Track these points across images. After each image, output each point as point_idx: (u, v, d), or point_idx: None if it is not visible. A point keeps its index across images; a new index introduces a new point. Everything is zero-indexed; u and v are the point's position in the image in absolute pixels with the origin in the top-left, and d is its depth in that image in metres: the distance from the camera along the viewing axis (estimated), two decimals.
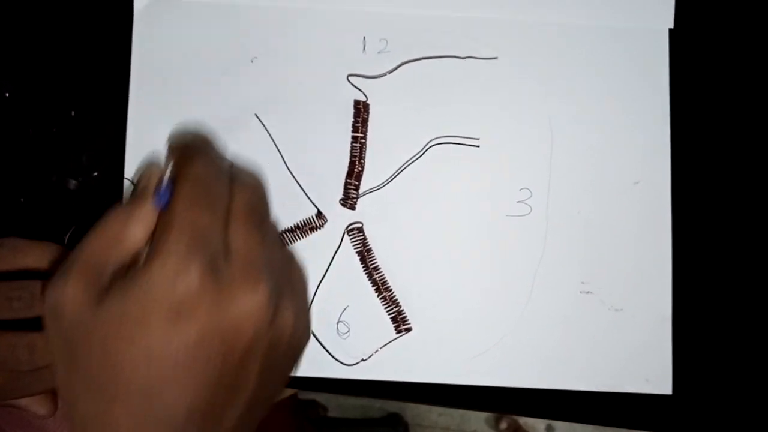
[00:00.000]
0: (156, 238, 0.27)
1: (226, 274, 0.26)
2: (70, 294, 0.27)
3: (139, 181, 0.31)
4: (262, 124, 0.39)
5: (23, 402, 0.36)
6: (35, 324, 0.35)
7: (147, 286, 0.25)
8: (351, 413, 1.11)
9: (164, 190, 0.28)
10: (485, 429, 1.14)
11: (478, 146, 0.39)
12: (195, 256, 0.25)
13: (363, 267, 0.38)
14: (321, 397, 1.08)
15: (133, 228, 0.29)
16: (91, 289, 0.27)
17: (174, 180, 0.28)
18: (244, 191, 0.29)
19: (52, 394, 0.37)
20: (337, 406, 1.10)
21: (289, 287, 0.29)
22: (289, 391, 0.65)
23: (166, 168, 0.31)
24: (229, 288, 0.26)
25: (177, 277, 0.25)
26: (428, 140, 0.39)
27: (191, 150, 0.30)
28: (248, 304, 0.26)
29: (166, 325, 0.25)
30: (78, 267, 0.27)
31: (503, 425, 1.12)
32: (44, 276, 0.36)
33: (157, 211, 0.29)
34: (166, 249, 0.26)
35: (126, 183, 0.39)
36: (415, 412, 1.12)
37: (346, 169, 0.39)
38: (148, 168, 0.31)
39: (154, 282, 0.25)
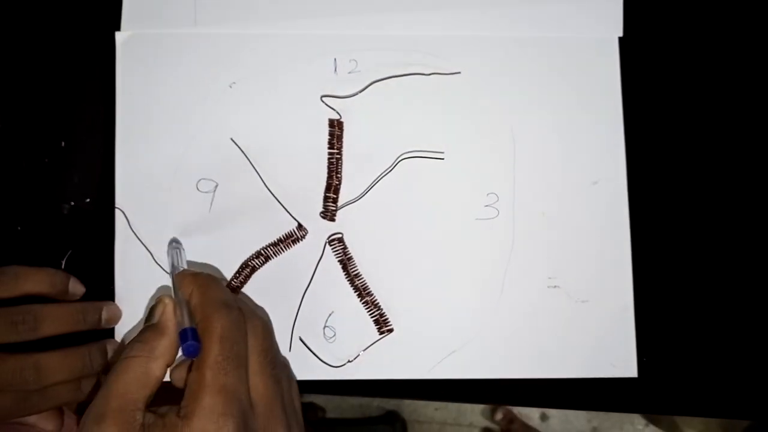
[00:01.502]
0: (192, 397, 0.31)
1: (254, 426, 0.31)
2: (95, 429, 0.30)
3: (152, 312, 0.35)
4: (239, 147, 0.41)
5: (31, 419, 0.38)
6: (40, 345, 0.36)
7: None
8: (349, 413, 1.12)
9: (192, 343, 0.31)
10: (481, 421, 1.15)
11: (443, 159, 0.41)
12: (229, 415, 0.30)
13: (345, 274, 0.41)
14: (319, 400, 1.09)
15: (156, 365, 0.33)
16: (128, 429, 0.30)
17: (194, 331, 0.32)
18: (257, 335, 0.34)
19: (59, 411, 0.39)
20: (335, 407, 1.11)
21: (294, 413, 0.35)
22: None
23: (176, 297, 0.35)
24: None
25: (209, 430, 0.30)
26: (398, 154, 0.41)
27: (206, 288, 0.34)
28: None
29: None
30: (111, 411, 0.31)
31: (499, 416, 1.14)
32: (45, 300, 0.38)
33: (175, 346, 0.33)
34: (202, 409, 0.30)
35: (117, 211, 0.41)
36: (411, 408, 1.13)
37: (324, 184, 0.41)
38: (160, 301, 0.35)
39: None
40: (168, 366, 0.34)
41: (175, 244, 0.40)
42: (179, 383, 0.34)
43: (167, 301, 0.35)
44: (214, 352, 0.32)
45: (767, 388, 0.42)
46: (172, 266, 0.38)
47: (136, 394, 0.32)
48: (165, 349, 0.34)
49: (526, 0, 0.42)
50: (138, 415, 0.31)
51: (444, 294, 0.41)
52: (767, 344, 0.42)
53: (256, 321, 0.34)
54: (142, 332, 0.35)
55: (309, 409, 1.08)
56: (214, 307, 0.33)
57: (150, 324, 0.35)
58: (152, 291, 0.40)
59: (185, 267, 0.38)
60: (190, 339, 0.31)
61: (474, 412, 1.15)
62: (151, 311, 0.36)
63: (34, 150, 0.42)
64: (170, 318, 0.35)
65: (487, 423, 1.14)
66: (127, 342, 0.35)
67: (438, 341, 0.40)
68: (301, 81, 0.42)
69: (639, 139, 0.42)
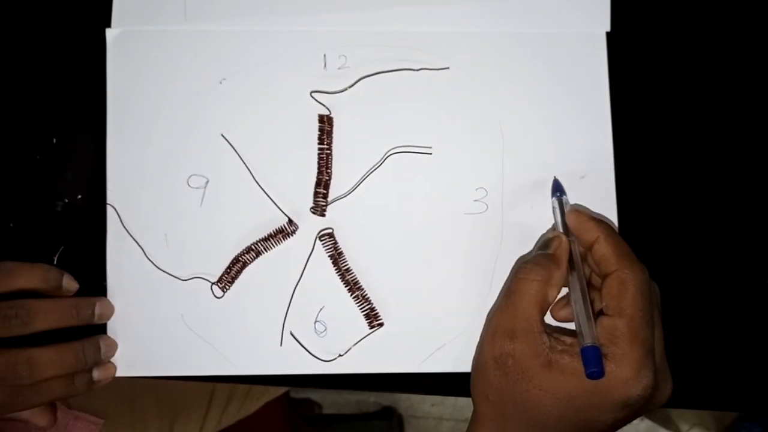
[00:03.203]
0: (613, 342, 0.32)
1: (657, 380, 0.33)
2: (518, 351, 0.33)
3: (548, 243, 0.37)
4: (229, 143, 0.41)
5: (24, 414, 0.38)
6: (33, 341, 0.37)
7: (606, 383, 0.32)
8: (345, 409, 1.12)
9: (597, 371, 0.32)
10: None
11: (430, 154, 0.41)
12: (649, 368, 0.32)
13: (336, 269, 0.41)
14: (315, 395, 1.10)
15: (551, 292, 0.35)
16: (537, 352, 0.33)
17: (598, 351, 0.32)
18: (656, 292, 0.36)
19: (51, 406, 0.40)
20: (331, 402, 1.11)
21: None
22: (280, 390, 0.68)
23: (567, 235, 0.37)
24: (657, 389, 0.33)
25: (630, 381, 0.32)
26: (388, 149, 0.41)
27: (616, 238, 0.35)
28: (665, 396, 0.35)
29: (617, 413, 0.33)
30: (521, 330, 0.34)
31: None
32: (39, 296, 0.38)
33: (565, 280, 0.36)
34: (625, 356, 0.32)
35: (108, 208, 0.41)
36: (408, 403, 1.13)
37: (314, 179, 0.41)
38: (557, 236, 0.37)
39: (613, 380, 0.32)
40: (557, 295, 0.36)
41: (558, 191, 0.40)
42: (560, 319, 0.37)
43: (563, 238, 0.37)
44: (638, 304, 0.33)
45: (758, 380, 0.42)
46: (561, 207, 0.39)
47: (538, 316, 0.34)
48: (559, 279, 0.35)
49: None
50: (544, 337, 0.34)
51: (434, 288, 0.41)
52: (759, 337, 0.42)
53: (651, 280, 0.35)
54: (538, 257, 0.37)
55: (305, 404, 1.08)
56: (631, 259, 0.34)
57: (545, 252, 0.36)
58: (144, 286, 0.41)
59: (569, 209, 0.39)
60: (593, 361, 0.32)
61: (470, 408, 1.16)
62: (545, 242, 0.38)
63: (26, 147, 0.42)
64: (565, 252, 0.36)
65: None
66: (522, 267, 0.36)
67: (428, 335, 0.41)
68: (290, 77, 0.42)
69: (627, 133, 0.42)
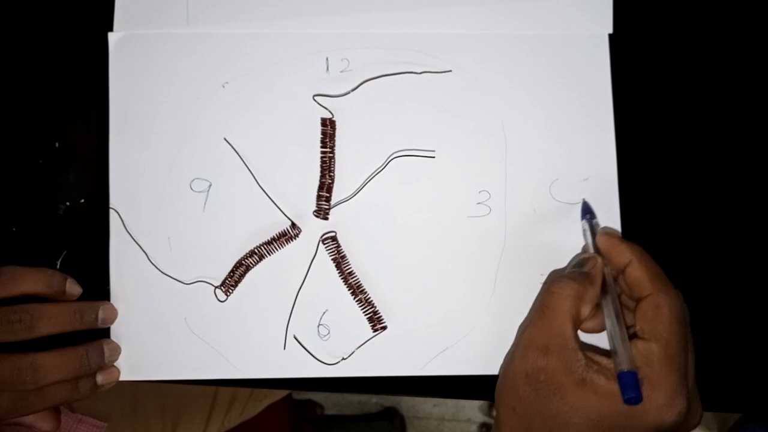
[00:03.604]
0: (650, 366, 0.32)
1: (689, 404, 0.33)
2: (551, 367, 0.33)
3: (583, 262, 0.37)
4: (232, 146, 0.41)
5: (28, 419, 0.38)
6: (37, 345, 0.37)
7: (641, 408, 0.32)
8: (348, 410, 1.12)
9: (635, 396, 0.32)
10: (479, 416, 1.16)
11: (433, 157, 0.41)
12: (683, 395, 0.32)
13: (339, 273, 0.41)
14: (317, 396, 1.10)
15: (585, 309, 0.35)
16: (571, 369, 0.33)
17: (636, 377, 0.32)
18: (687, 316, 0.35)
19: (55, 411, 0.40)
20: (333, 403, 1.11)
21: None
22: (283, 392, 0.68)
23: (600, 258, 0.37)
24: (689, 415, 0.33)
25: (665, 408, 0.32)
26: (390, 152, 0.41)
27: (650, 261, 0.35)
28: (695, 423, 0.35)
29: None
30: (556, 346, 0.33)
31: (496, 412, 1.14)
32: (42, 301, 0.38)
33: (596, 296, 0.35)
34: (662, 382, 0.32)
35: (111, 212, 0.41)
36: (410, 404, 1.13)
37: (317, 183, 0.41)
38: (593, 257, 0.37)
39: (648, 405, 0.32)
40: (589, 313, 0.35)
41: (588, 213, 0.40)
42: (587, 330, 0.37)
43: (599, 258, 0.37)
44: (674, 329, 0.33)
45: (761, 381, 0.42)
46: (591, 230, 0.39)
47: (572, 332, 0.34)
48: (593, 297, 0.35)
49: None
50: (579, 354, 0.33)
51: (437, 291, 0.41)
52: (762, 339, 0.42)
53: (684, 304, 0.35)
54: (573, 273, 0.36)
55: (308, 406, 1.08)
56: (666, 283, 0.34)
57: (580, 270, 0.36)
58: (147, 290, 0.41)
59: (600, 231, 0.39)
60: (632, 387, 0.32)
61: (472, 408, 1.16)
62: (580, 262, 0.37)
63: (29, 151, 0.42)
64: (599, 272, 0.36)
65: (485, 418, 1.15)
66: (554, 281, 0.36)
67: (431, 338, 0.41)
68: (293, 80, 0.42)
69: (629, 135, 0.42)
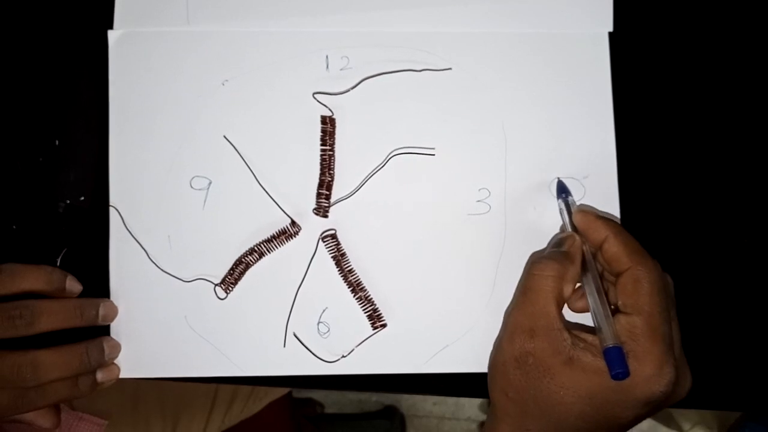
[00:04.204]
0: (634, 340, 0.33)
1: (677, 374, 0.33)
2: (538, 349, 0.33)
3: (561, 241, 0.37)
4: (231, 144, 0.41)
5: (28, 416, 0.38)
6: (37, 343, 0.37)
7: (629, 381, 0.32)
8: (348, 408, 1.13)
9: (622, 371, 0.32)
10: (479, 415, 1.16)
11: (433, 155, 0.41)
12: (669, 364, 0.32)
13: (339, 270, 0.41)
14: (317, 395, 1.10)
15: (567, 288, 0.35)
16: (558, 349, 0.33)
17: (621, 351, 0.32)
18: (670, 285, 0.36)
19: (55, 408, 0.40)
20: (333, 402, 1.11)
21: None
22: (283, 390, 0.68)
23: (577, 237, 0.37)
24: (677, 384, 0.33)
25: (653, 378, 0.32)
26: (390, 150, 0.41)
27: (626, 236, 0.35)
28: (685, 390, 0.35)
29: (640, 409, 0.33)
30: (541, 328, 0.34)
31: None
32: (42, 297, 0.38)
33: (579, 277, 0.36)
34: (647, 353, 0.32)
35: (111, 209, 0.41)
36: (410, 402, 1.14)
37: (317, 181, 0.41)
38: (570, 235, 0.37)
39: (636, 378, 0.32)
40: (572, 291, 0.36)
41: (563, 192, 0.40)
42: (577, 310, 0.37)
43: (576, 236, 0.37)
44: (655, 300, 0.33)
45: (761, 380, 0.42)
46: (567, 208, 0.39)
47: (556, 312, 0.34)
48: (574, 274, 0.36)
49: None
50: (565, 334, 0.34)
51: (437, 289, 0.41)
52: (761, 337, 0.42)
53: (665, 273, 0.36)
54: (552, 253, 0.37)
55: (308, 404, 1.08)
56: (643, 256, 0.34)
57: (559, 250, 0.37)
58: (147, 288, 0.41)
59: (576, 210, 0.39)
60: (618, 362, 0.32)
61: (472, 407, 1.16)
62: (559, 241, 0.38)
63: (29, 149, 0.42)
64: (578, 250, 0.36)
65: (485, 417, 1.15)
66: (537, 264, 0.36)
67: (431, 336, 0.41)
68: (293, 78, 0.42)
69: (630, 133, 0.42)
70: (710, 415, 1.04)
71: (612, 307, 0.36)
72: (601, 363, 0.32)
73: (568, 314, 0.38)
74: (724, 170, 0.43)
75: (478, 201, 0.41)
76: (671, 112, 0.43)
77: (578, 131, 0.42)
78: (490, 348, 0.40)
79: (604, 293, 0.35)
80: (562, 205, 0.39)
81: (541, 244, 0.41)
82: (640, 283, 0.33)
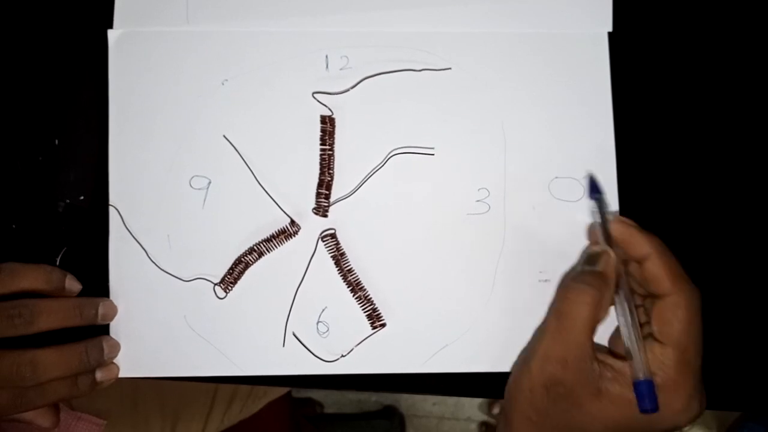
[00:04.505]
0: (665, 373, 0.32)
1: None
2: (569, 379, 0.33)
3: (594, 258, 0.35)
4: (231, 144, 0.41)
5: (28, 416, 0.38)
6: (36, 342, 0.37)
7: (658, 416, 0.32)
8: (347, 408, 1.13)
9: (652, 407, 0.31)
10: (479, 415, 1.16)
11: (432, 155, 0.41)
12: (697, 399, 0.32)
13: (338, 270, 0.41)
14: (317, 395, 1.10)
15: (601, 314, 0.34)
16: (589, 380, 0.33)
17: (652, 386, 0.32)
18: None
19: (55, 407, 0.40)
20: (333, 402, 1.11)
21: None
22: (282, 390, 0.68)
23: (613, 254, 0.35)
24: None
25: (681, 413, 0.32)
26: (390, 150, 0.41)
27: (670, 257, 0.34)
28: (699, 414, 0.34)
29: None
30: (574, 359, 0.33)
31: (496, 410, 1.14)
32: (41, 296, 0.38)
33: (612, 297, 0.34)
34: (679, 388, 0.32)
35: (111, 209, 0.41)
36: (409, 402, 1.14)
37: (316, 180, 0.41)
38: (605, 252, 0.35)
39: (665, 411, 0.32)
40: (606, 315, 0.34)
41: (597, 196, 0.38)
42: (618, 351, 0.35)
43: (611, 252, 0.35)
44: (692, 332, 0.32)
45: (760, 380, 0.42)
46: (602, 212, 0.37)
47: (590, 342, 0.33)
48: (609, 299, 0.34)
49: None
50: (596, 365, 0.33)
51: (436, 288, 0.41)
52: (761, 337, 0.42)
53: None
54: (587, 277, 0.35)
55: (307, 404, 1.08)
56: (686, 282, 0.33)
57: (594, 270, 0.35)
58: (147, 287, 0.41)
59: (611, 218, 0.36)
60: (648, 397, 0.31)
61: (471, 406, 1.16)
62: (591, 257, 0.36)
63: (28, 148, 0.42)
64: (613, 269, 0.34)
65: (484, 417, 1.15)
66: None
67: (430, 335, 0.41)
68: (292, 77, 0.42)
69: (629, 133, 0.42)
70: (709, 415, 1.04)
71: (640, 325, 0.35)
72: (629, 394, 0.32)
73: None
74: (723, 170, 0.43)
75: (478, 201, 0.41)
76: (671, 112, 0.43)
77: (578, 131, 0.42)
78: (490, 347, 0.40)
79: (636, 320, 0.34)
80: (595, 208, 0.37)
81: (540, 244, 0.41)
82: (679, 312, 0.32)
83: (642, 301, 0.36)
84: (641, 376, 0.32)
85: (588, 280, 0.34)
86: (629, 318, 0.33)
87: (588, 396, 0.33)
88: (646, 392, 0.31)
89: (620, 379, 0.33)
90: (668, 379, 0.32)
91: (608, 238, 0.36)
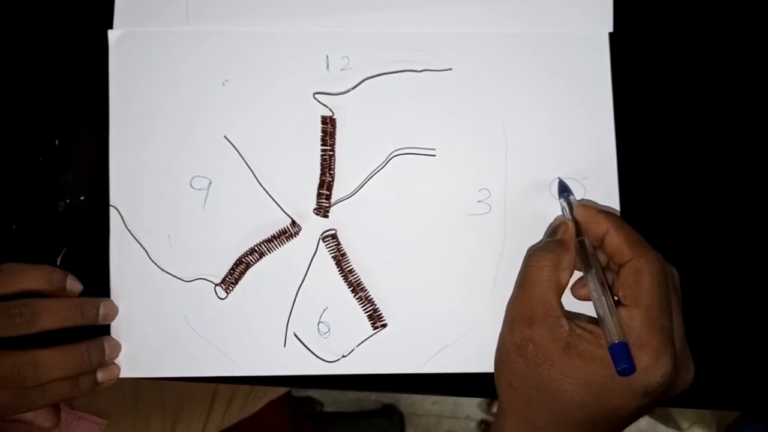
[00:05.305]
0: (631, 331, 0.33)
1: (676, 366, 0.33)
2: (537, 335, 0.34)
3: (555, 230, 0.38)
4: (232, 144, 0.41)
5: (28, 416, 0.38)
6: (38, 343, 0.37)
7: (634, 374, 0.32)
8: (347, 407, 1.13)
9: (628, 367, 0.31)
10: (478, 413, 1.16)
11: (434, 155, 0.41)
12: (667, 355, 0.32)
13: (339, 270, 0.41)
14: (317, 394, 1.10)
15: (563, 275, 0.36)
16: (556, 336, 0.33)
17: (626, 348, 0.32)
18: (674, 276, 0.37)
19: (55, 408, 0.40)
20: (333, 401, 1.11)
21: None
22: (282, 389, 0.68)
23: (572, 221, 0.37)
24: (678, 375, 0.34)
25: (650, 369, 0.32)
26: (391, 151, 0.41)
27: (627, 229, 0.35)
28: (687, 382, 0.35)
29: (639, 401, 0.33)
30: (539, 316, 0.34)
31: (495, 408, 1.15)
32: (42, 296, 0.38)
33: (575, 263, 0.36)
34: (644, 345, 0.32)
35: (111, 209, 0.41)
36: (409, 401, 1.14)
37: (317, 181, 0.41)
38: (563, 222, 0.38)
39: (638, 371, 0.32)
40: (569, 278, 0.36)
41: (564, 191, 0.40)
42: (581, 297, 0.38)
43: (569, 222, 0.38)
44: (654, 292, 0.33)
45: (759, 379, 0.42)
46: (569, 206, 0.39)
47: (554, 301, 0.35)
48: (569, 263, 0.36)
49: None
50: (563, 320, 0.34)
51: (437, 289, 0.41)
52: (761, 336, 0.42)
53: (668, 264, 0.36)
54: (546, 244, 0.38)
55: (307, 403, 1.08)
56: (644, 247, 0.35)
57: (554, 239, 0.37)
58: (147, 288, 0.41)
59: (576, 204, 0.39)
60: (624, 358, 0.31)
61: (471, 405, 1.16)
62: (553, 230, 0.39)
63: (29, 149, 0.42)
64: (571, 236, 0.37)
65: (483, 415, 1.15)
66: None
67: (431, 336, 0.41)
68: (293, 78, 0.42)
69: (630, 134, 0.42)
70: (709, 414, 1.04)
71: (615, 299, 0.36)
72: (597, 351, 0.33)
73: (572, 303, 0.38)
74: (724, 170, 0.43)
75: (479, 201, 0.41)
76: (671, 113, 0.43)
77: (578, 132, 0.42)
78: (491, 348, 0.40)
79: (608, 286, 0.35)
80: (564, 204, 0.40)
81: None
82: (640, 274, 0.33)
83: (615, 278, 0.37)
84: (616, 338, 0.32)
85: (546, 246, 0.37)
86: (599, 288, 0.35)
87: (558, 352, 0.33)
88: (622, 353, 0.32)
89: (588, 336, 0.33)
90: (634, 338, 0.32)
91: (577, 227, 0.38)
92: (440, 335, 0.41)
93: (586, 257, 0.36)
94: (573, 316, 0.35)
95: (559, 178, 0.41)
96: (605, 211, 0.37)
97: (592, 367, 0.33)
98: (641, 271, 0.34)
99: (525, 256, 0.39)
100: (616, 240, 0.35)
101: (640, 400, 0.33)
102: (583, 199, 0.41)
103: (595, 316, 0.34)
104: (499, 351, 0.37)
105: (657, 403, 0.34)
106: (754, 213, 0.43)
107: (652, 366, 0.32)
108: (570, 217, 0.39)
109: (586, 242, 0.37)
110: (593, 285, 0.35)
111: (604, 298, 0.34)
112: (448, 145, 0.42)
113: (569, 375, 0.33)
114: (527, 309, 0.35)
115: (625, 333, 0.33)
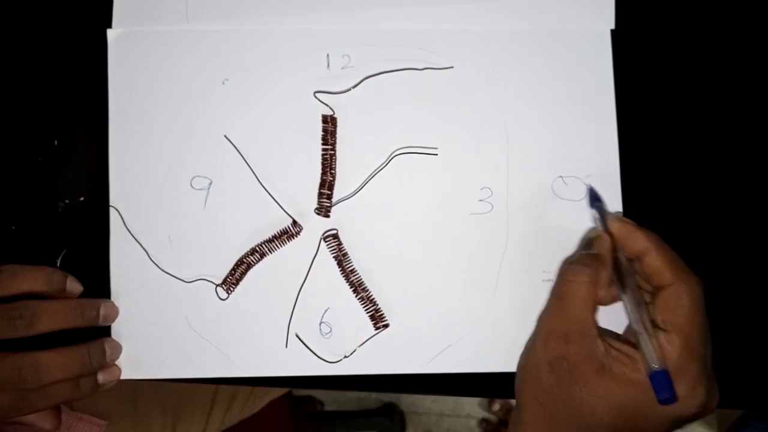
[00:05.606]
0: (669, 356, 0.32)
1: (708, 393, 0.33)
2: (572, 354, 0.33)
3: (591, 242, 0.37)
4: (232, 144, 0.41)
5: (29, 418, 0.38)
6: (38, 345, 0.37)
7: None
8: (347, 406, 1.13)
9: (670, 397, 0.31)
10: (479, 411, 1.16)
11: (436, 155, 0.41)
12: (702, 386, 0.32)
13: (340, 271, 0.41)
14: (317, 393, 1.10)
15: (600, 292, 0.35)
16: (592, 356, 0.33)
17: (668, 376, 0.32)
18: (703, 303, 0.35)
19: (56, 410, 0.39)
20: (333, 400, 1.12)
21: None
22: (282, 389, 0.68)
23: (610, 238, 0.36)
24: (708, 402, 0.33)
25: (686, 399, 0.32)
26: (392, 150, 0.41)
27: (669, 250, 0.35)
28: (712, 408, 0.34)
29: (667, 426, 0.33)
30: (575, 334, 0.34)
31: (496, 407, 1.15)
32: (42, 298, 0.38)
33: (609, 276, 0.35)
34: (684, 373, 0.32)
35: (111, 209, 0.41)
36: (409, 400, 1.14)
37: (318, 180, 0.41)
38: (600, 235, 0.37)
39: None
40: (605, 295, 0.35)
41: (596, 200, 0.40)
42: (603, 303, 0.36)
43: (606, 236, 0.37)
44: (695, 320, 0.33)
45: (761, 378, 0.42)
46: (602, 216, 0.38)
47: (590, 319, 0.34)
48: (607, 279, 0.35)
49: None
50: (599, 341, 0.33)
51: (439, 289, 0.41)
52: (763, 335, 0.42)
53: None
54: (584, 258, 0.36)
55: (308, 402, 1.08)
56: (686, 272, 0.34)
57: (590, 252, 0.36)
58: (148, 288, 0.40)
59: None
60: (666, 387, 0.31)
61: (471, 403, 1.16)
62: (589, 242, 0.38)
63: (28, 149, 0.42)
64: (609, 251, 0.36)
65: (484, 414, 1.15)
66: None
67: (433, 336, 0.41)
68: (294, 77, 0.42)
69: (632, 131, 0.42)
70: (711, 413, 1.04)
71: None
72: (633, 375, 0.32)
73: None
74: (727, 168, 0.43)
75: (481, 200, 0.41)
76: (674, 110, 0.43)
77: (581, 130, 0.42)
78: (493, 347, 0.40)
79: (646, 312, 0.34)
80: (597, 214, 0.39)
81: (544, 243, 0.41)
82: (681, 300, 0.33)
83: (650, 299, 0.36)
84: (656, 366, 0.32)
85: (585, 260, 0.36)
86: (636, 310, 0.34)
87: (592, 372, 0.33)
88: (663, 382, 0.31)
89: (625, 359, 0.33)
90: (673, 366, 0.32)
91: (611, 238, 0.37)
92: (443, 335, 0.41)
93: (620, 274, 0.35)
94: (608, 335, 0.35)
95: (590, 186, 0.40)
96: (644, 229, 0.36)
97: (626, 390, 0.32)
98: (682, 296, 0.33)
99: (561, 268, 0.39)
100: (658, 262, 0.34)
101: (668, 426, 0.33)
102: (617, 213, 0.40)
103: (618, 331, 0.34)
104: (527, 362, 0.36)
105: (679, 427, 0.34)
106: (756, 212, 0.43)
107: (688, 396, 0.32)
108: (602, 227, 0.38)
109: (622, 259, 0.36)
110: (630, 305, 0.34)
111: (642, 320, 0.33)
112: (449, 143, 0.41)
113: (602, 397, 0.32)
114: (563, 325, 0.34)
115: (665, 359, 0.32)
